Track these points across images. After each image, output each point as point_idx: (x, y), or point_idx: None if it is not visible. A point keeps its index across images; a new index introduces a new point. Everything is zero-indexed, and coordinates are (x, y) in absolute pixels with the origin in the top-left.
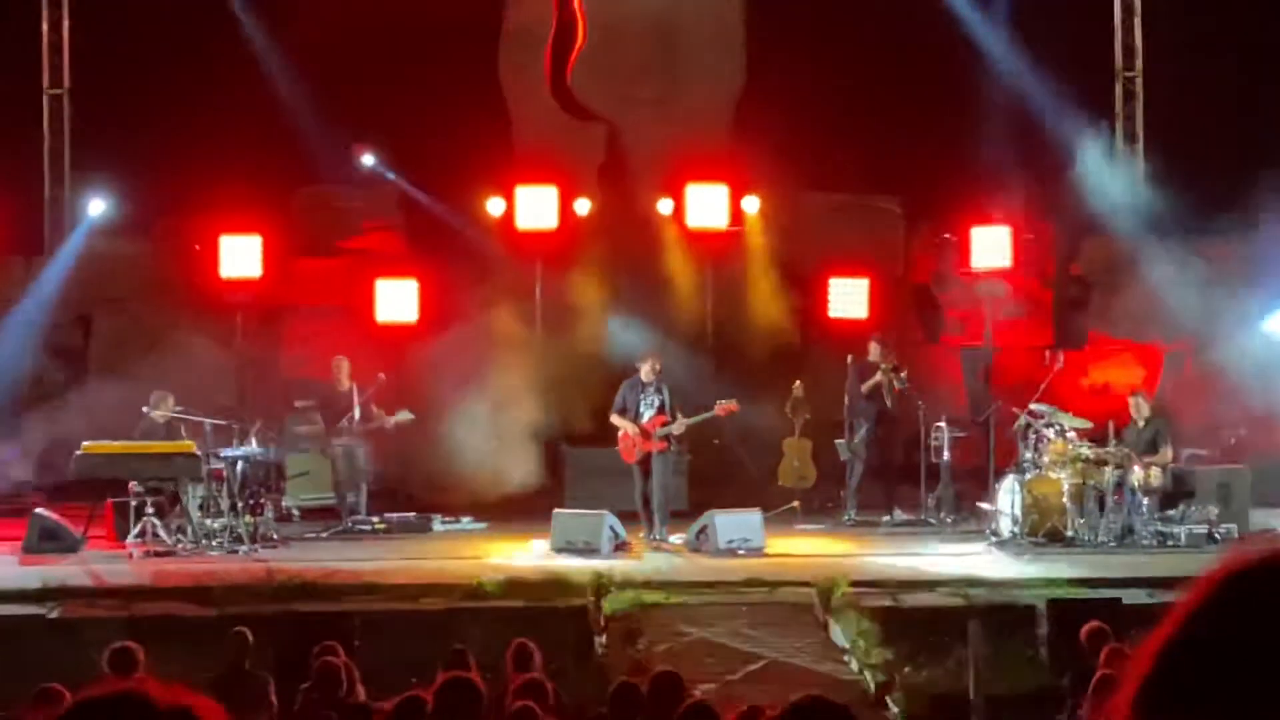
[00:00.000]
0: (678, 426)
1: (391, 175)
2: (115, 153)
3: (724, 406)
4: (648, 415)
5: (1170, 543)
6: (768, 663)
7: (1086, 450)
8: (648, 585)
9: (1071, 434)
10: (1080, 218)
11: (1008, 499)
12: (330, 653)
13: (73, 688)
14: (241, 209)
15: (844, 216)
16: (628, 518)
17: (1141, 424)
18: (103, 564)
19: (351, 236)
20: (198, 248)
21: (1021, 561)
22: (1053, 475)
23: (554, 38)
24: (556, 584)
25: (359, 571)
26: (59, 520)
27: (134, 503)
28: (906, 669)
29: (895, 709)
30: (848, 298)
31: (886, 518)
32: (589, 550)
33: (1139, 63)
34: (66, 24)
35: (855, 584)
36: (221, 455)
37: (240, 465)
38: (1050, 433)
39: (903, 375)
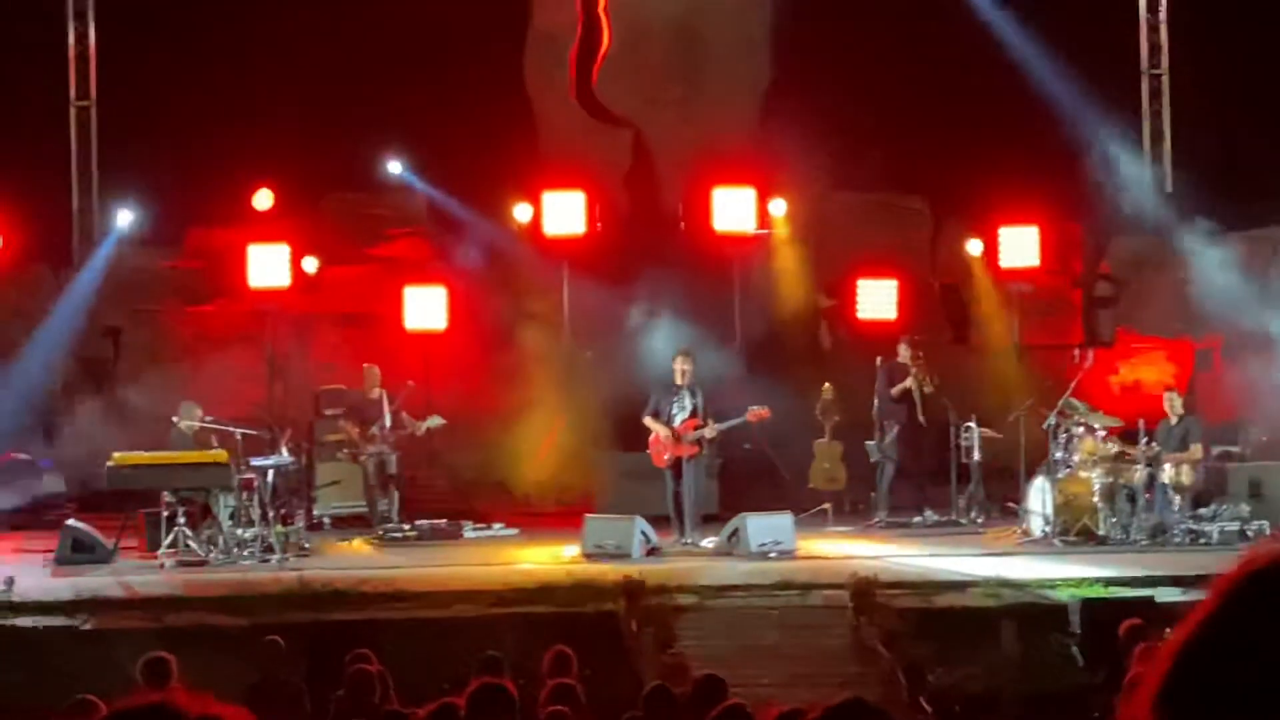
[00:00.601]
0: (709, 431)
1: (419, 182)
2: (142, 164)
3: (755, 413)
4: (680, 419)
5: (1202, 540)
6: (800, 665)
7: (1117, 448)
8: (680, 589)
9: (1102, 432)
10: (1108, 216)
11: (1039, 498)
12: (363, 660)
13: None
14: (269, 218)
15: (871, 217)
16: (658, 521)
17: (1174, 421)
18: (135, 575)
19: (380, 244)
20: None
21: (1053, 561)
22: (1083, 474)
23: (579, 43)
24: (588, 589)
25: (391, 579)
26: (91, 531)
27: (165, 513)
28: (940, 669)
29: (929, 709)
30: (876, 299)
31: (918, 518)
32: (620, 554)
33: (1165, 60)
34: (92, 36)
35: (887, 585)
36: (252, 464)
37: (271, 474)
38: (1080, 431)
39: (931, 375)
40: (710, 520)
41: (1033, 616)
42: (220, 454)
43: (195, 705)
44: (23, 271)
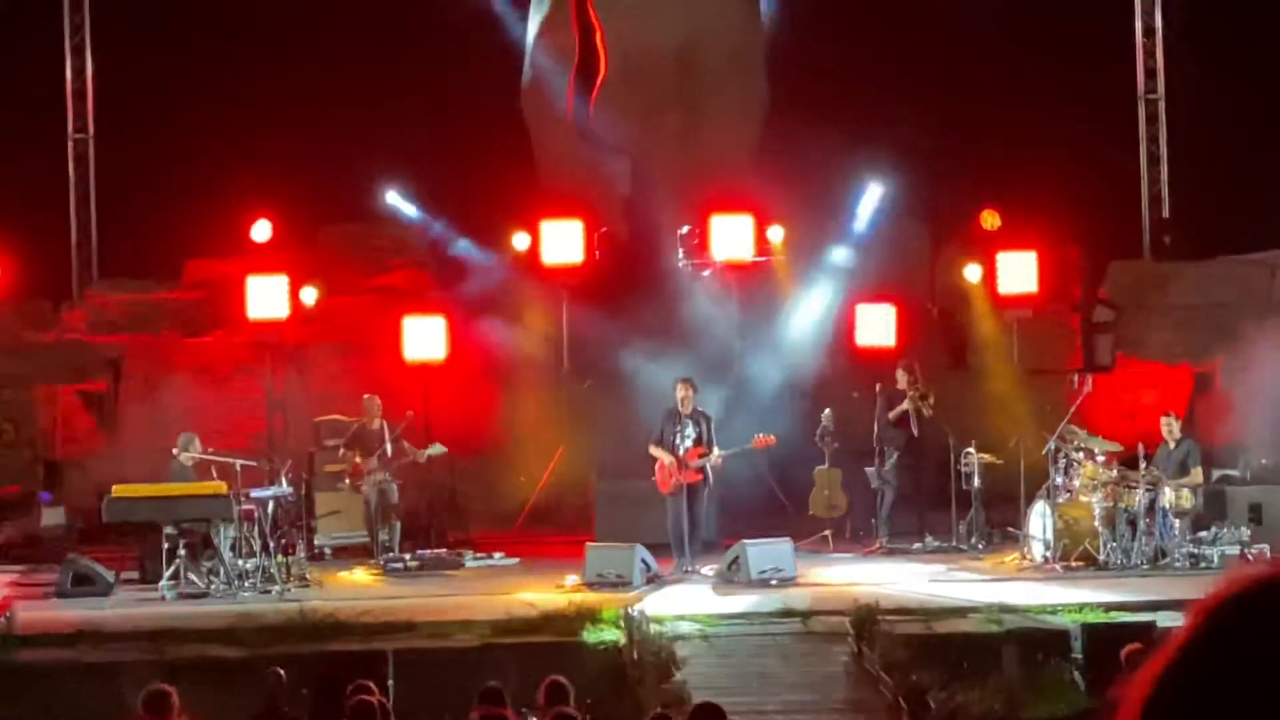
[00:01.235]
0: (714, 459)
1: (417, 213)
2: (141, 196)
3: (761, 440)
4: (684, 446)
5: (1203, 564)
6: (802, 692)
7: (1117, 473)
8: (681, 617)
9: (1101, 457)
10: (1106, 241)
11: (1039, 523)
12: (365, 691)
13: None
14: (267, 248)
15: (870, 243)
16: (659, 549)
17: (1172, 445)
18: (136, 607)
19: (378, 274)
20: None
21: (1054, 586)
22: (1084, 499)
23: (576, 71)
24: (589, 618)
25: (392, 609)
26: (92, 564)
27: (166, 545)
28: (941, 695)
29: None
30: (874, 325)
31: (918, 544)
32: (621, 583)
33: (1161, 85)
34: (90, 70)
35: (888, 611)
36: (252, 495)
37: (271, 505)
38: (1080, 456)
39: (930, 402)
40: (711, 548)
41: (1034, 642)
42: (220, 485)
43: None
44: (22, 304)
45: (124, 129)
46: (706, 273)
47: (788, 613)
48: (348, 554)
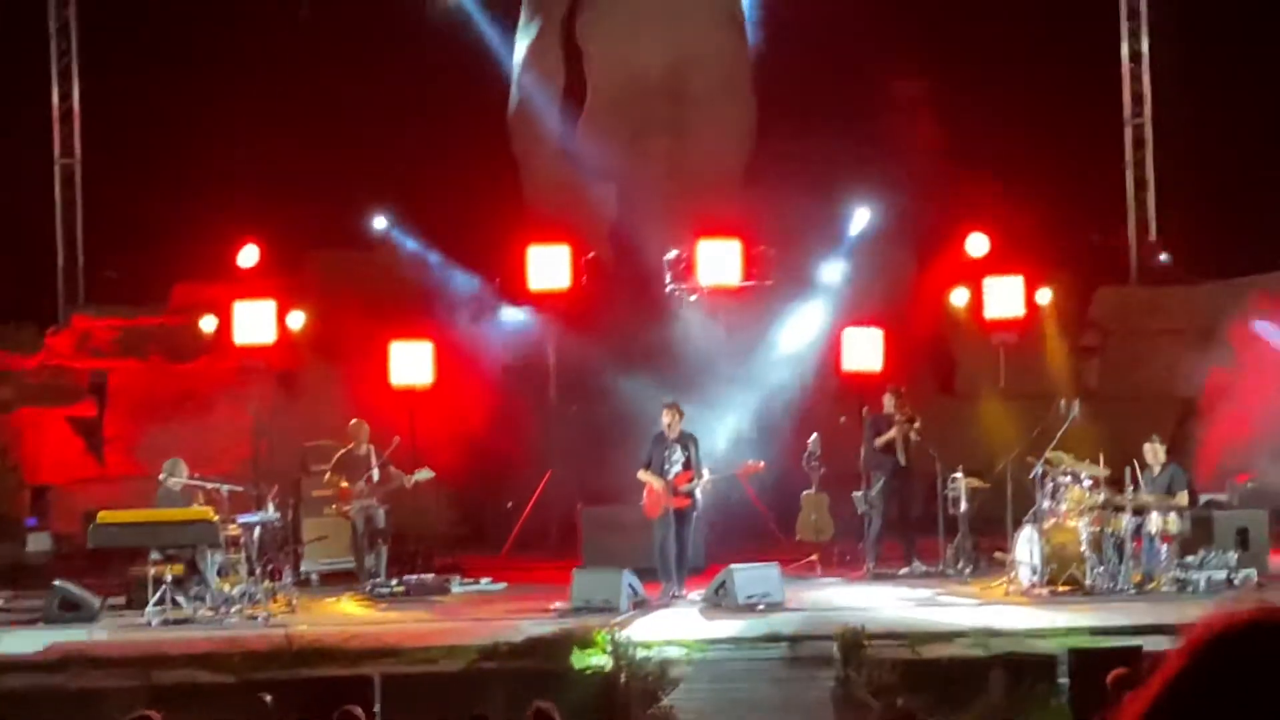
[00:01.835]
0: (702, 484)
1: (405, 238)
2: (128, 220)
3: (749, 467)
4: (673, 471)
5: (1190, 589)
6: (789, 717)
7: (1103, 498)
8: (668, 643)
9: (1088, 482)
10: (1094, 266)
11: (1026, 548)
12: (351, 716)
13: None
14: (255, 274)
15: (857, 268)
16: (646, 574)
17: (1158, 470)
18: (122, 632)
19: (365, 299)
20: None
21: (1041, 610)
22: (1070, 523)
23: (563, 96)
24: (576, 644)
25: (379, 635)
26: (78, 589)
27: (152, 571)
28: None
29: None
30: (861, 350)
31: (905, 569)
32: (608, 608)
33: (1147, 110)
34: (77, 94)
35: (875, 636)
36: (239, 521)
37: (257, 531)
38: (1067, 481)
39: (917, 426)
40: (698, 573)
41: (1021, 666)
42: (206, 511)
43: None
44: (7, 327)
45: (111, 153)
46: (693, 297)
47: (775, 637)
48: (334, 579)
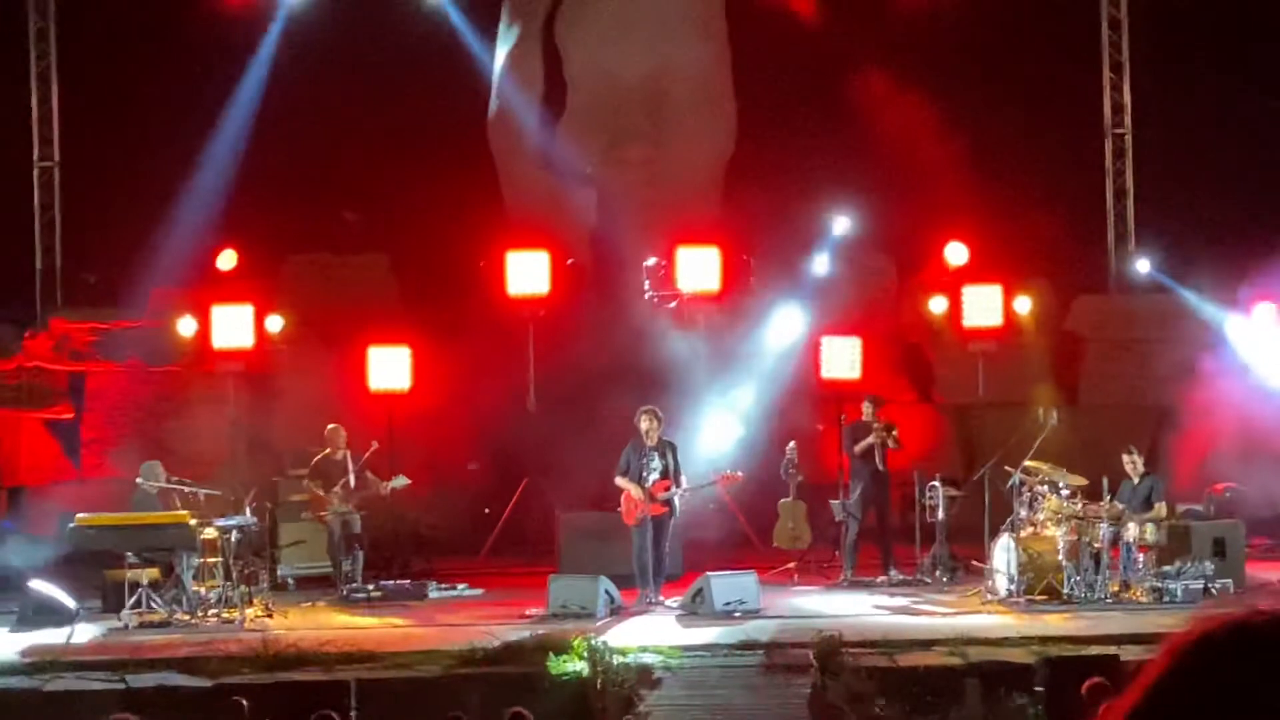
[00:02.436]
0: (680, 493)
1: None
2: (106, 223)
3: (728, 477)
4: (651, 479)
5: (1166, 599)
6: None
7: (1081, 507)
8: (644, 649)
9: (1066, 491)
10: (1072, 274)
11: (1003, 557)
12: None
13: None
14: (233, 278)
15: (836, 275)
16: (622, 581)
17: (1136, 480)
18: (98, 635)
19: (343, 304)
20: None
21: (1018, 620)
22: (1048, 532)
23: (542, 103)
24: (552, 649)
25: (355, 639)
26: (53, 592)
27: (129, 574)
28: None
29: None
30: (840, 358)
31: (883, 577)
32: (585, 614)
33: (1128, 119)
34: (56, 96)
35: (852, 644)
36: (215, 524)
37: (234, 534)
38: (1044, 490)
39: (895, 435)
40: (675, 580)
41: (997, 675)
42: (183, 514)
43: None
44: None
45: (90, 156)
46: (672, 304)
47: (751, 645)
48: (311, 584)
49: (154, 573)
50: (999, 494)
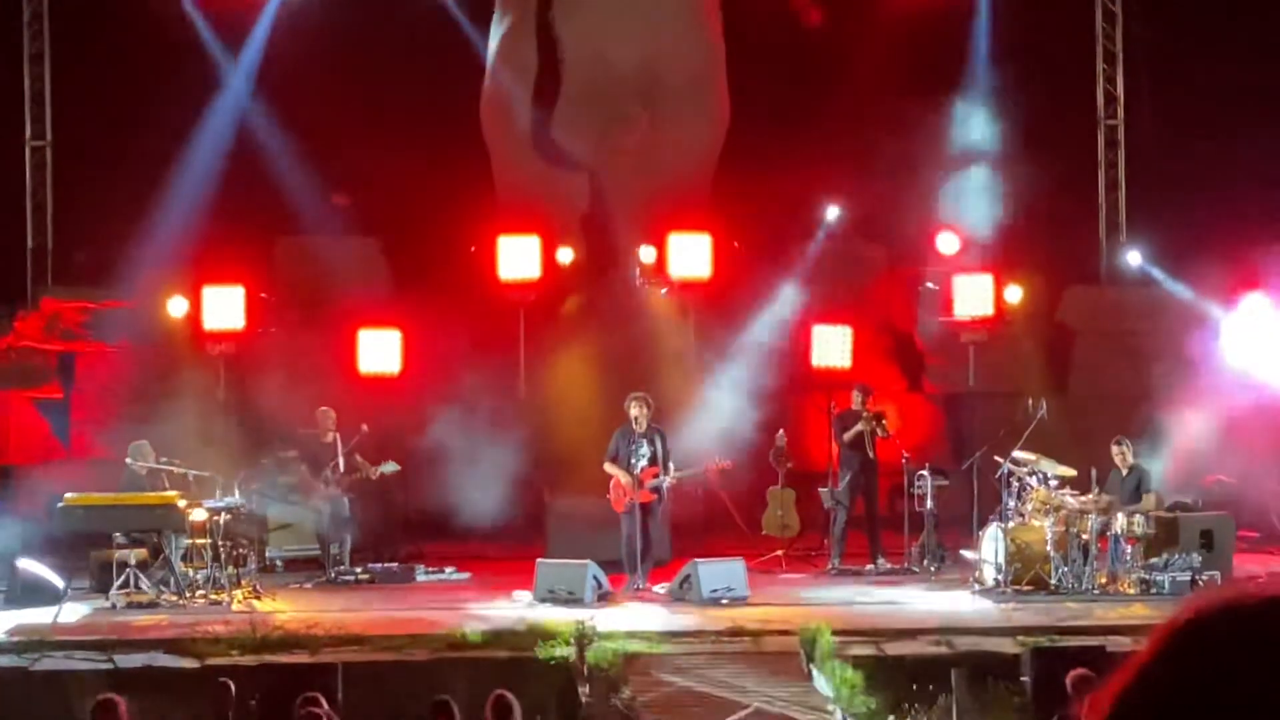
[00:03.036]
0: (668, 480)
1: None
2: (98, 203)
3: (717, 464)
4: (639, 465)
5: (1154, 590)
6: (752, 712)
7: (1070, 498)
8: (631, 635)
9: (1055, 482)
10: (1063, 265)
11: (991, 547)
12: (313, 704)
13: None
14: (224, 260)
15: (827, 264)
16: (610, 566)
17: (1125, 472)
18: (85, 615)
19: (334, 287)
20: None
21: (1005, 609)
22: (1036, 523)
23: (536, 88)
24: (540, 634)
25: (342, 622)
26: (42, 572)
27: (117, 554)
28: (891, 718)
29: None
30: (830, 346)
31: (870, 566)
32: (572, 600)
33: (1121, 110)
34: (48, 77)
35: (839, 632)
36: (204, 506)
37: (223, 516)
38: (1033, 481)
39: (884, 423)
40: (663, 566)
41: (984, 665)
42: (172, 495)
43: None
44: None
45: (82, 136)
46: (663, 291)
47: (738, 632)
48: (299, 566)
49: (142, 553)
50: (988, 484)
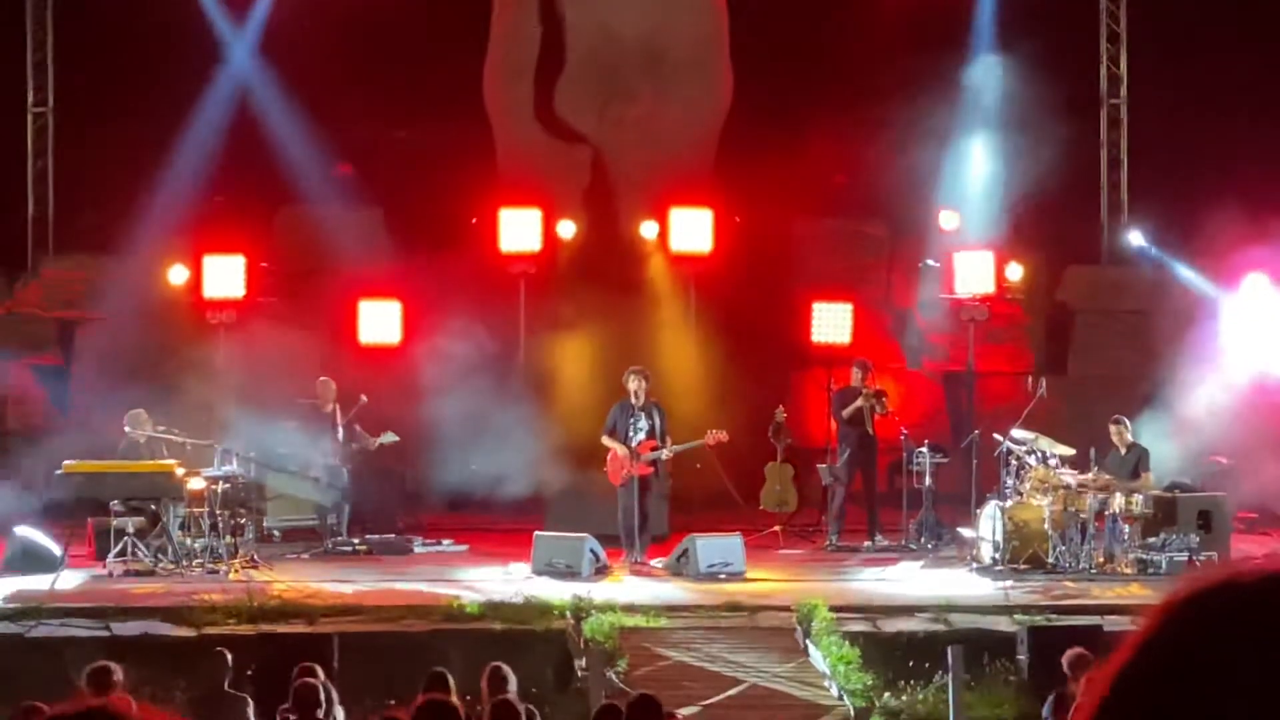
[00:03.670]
0: (666, 453)
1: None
2: (99, 171)
3: (714, 436)
4: (637, 439)
5: (1151, 570)
6: (748, 687)
7: (1068, 477)
8: (628, 609)
9: (1053, 460)
10: (1064, 245)
11: (989, 525)
12: (309, 674)
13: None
14: (225, 229)
15: (828, 241)
16: (608, 540)
17: (1123, 451)
18: (83, 583)
19: (335, 257)
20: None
21: (1002, 588)
22: (1034, 502)
23: (539, 61)
24: (537, 607)
25: (339, 593)
26: (39, 539)
27: (114, 522)
28: (886, 695)
29: None
30: (831, 323)
31: (868, 543)
32: (570, 573)
33: (1124, 90)
34: (51, 43)
35: (836, 609)
36: (203, 475)
37: (221, 485)
38: (1032, 459)
39: (884, 400)
40: (661, 541)
41: (980, 643)
42: (170, 464)
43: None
44: None
45: (84, 104)
46: (667, 265)
47: (735, 607)
48: (297, 536)
49: (140, 521)
50: (987, 462)
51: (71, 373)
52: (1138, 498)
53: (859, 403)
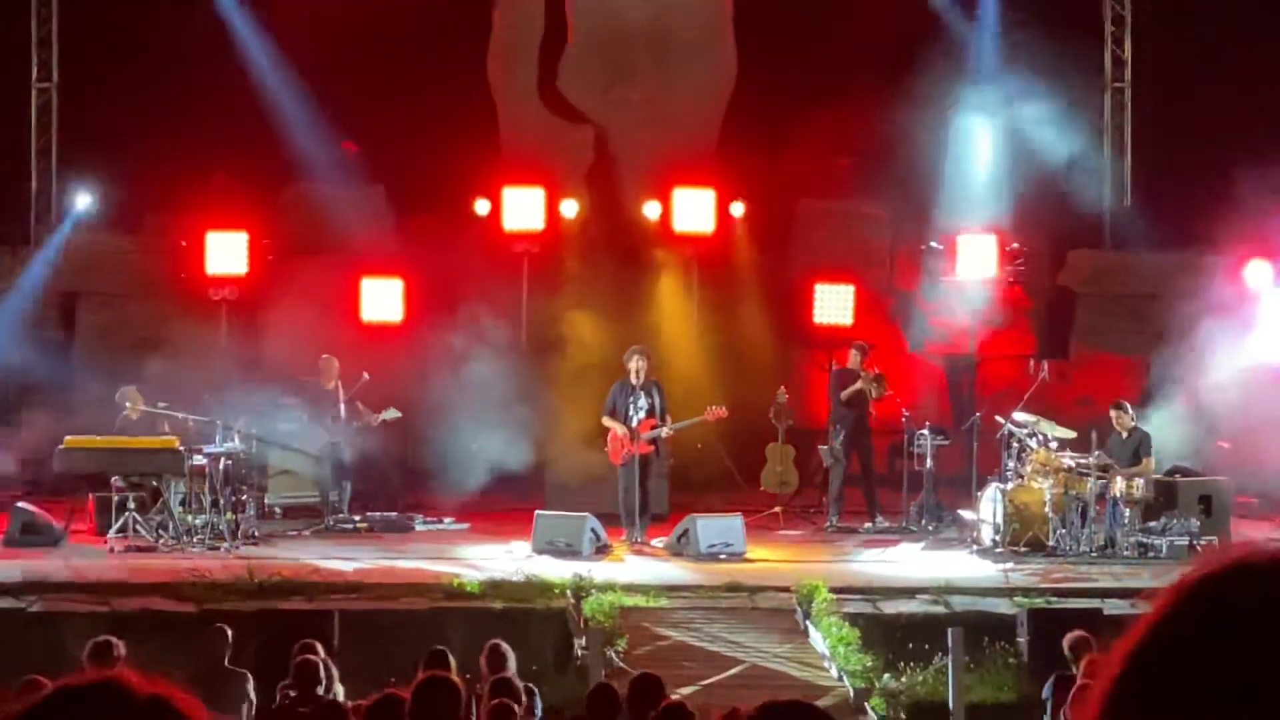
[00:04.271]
0: (666, 431)
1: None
2: (103, 147)
3: (713, 412)
4: (637, 418)
5: (1151, 554)
6: (747, 667)
7: (1069, 460)
8: (628, 588)
9: (1054, 444)
10: (1066, 228)
11: (990, 508)
12: (309, 650)
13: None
14: (228, 206)
15: (831, 222)
16: (608, 520)
17: (1124, 435)
18: (84, 558)
19: (338, 235)
20: (184, 244)
21: (1002, 570)
22: (1035, 485)
23: (544, 40)
24: (537, 586)
25: (340, 570)
26: (41, 514)
27: (116, 498)
28: (886, 676)
29: (874, 716)
30: (833, 304)
31: (868, 524)
32: (570, 552)
33: (1128, 74)
34: (55, 19)
35: (836, 590)
36: (204, 451)
37: (223, 462)
38: (1033, 442)
39: (883, 383)
40: (661, 521)
41: (980, 625)
42: (172, 440)
43: (143, 685)
44: None
45: (88, 80)
46: (668, 246)
47: (735, 587)
48: (298, 513)
49: (141, 497)
50: (988, 444)
51: (73, 348)
52: (1138, 482)
53: (858, 385)
